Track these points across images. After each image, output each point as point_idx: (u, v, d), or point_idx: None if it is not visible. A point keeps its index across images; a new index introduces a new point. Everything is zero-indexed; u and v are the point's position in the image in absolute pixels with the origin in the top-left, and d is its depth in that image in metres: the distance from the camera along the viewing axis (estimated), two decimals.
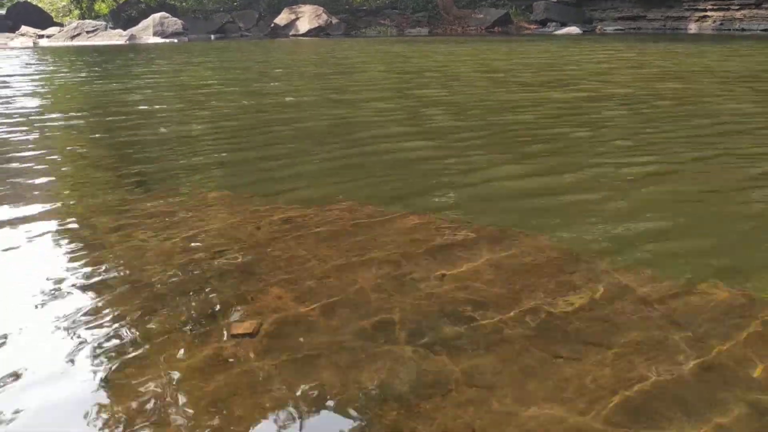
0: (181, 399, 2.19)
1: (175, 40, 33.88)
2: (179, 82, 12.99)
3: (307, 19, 38.19)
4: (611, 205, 4.24)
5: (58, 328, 2.62)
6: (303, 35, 37.14)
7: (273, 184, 4.90)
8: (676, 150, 5.89)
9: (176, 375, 2.33)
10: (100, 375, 2.32)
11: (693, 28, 39.80)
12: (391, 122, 7.64)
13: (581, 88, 10.73)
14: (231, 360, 2.41)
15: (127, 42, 33.13)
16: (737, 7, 37.75)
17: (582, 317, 2.68)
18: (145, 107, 9.38)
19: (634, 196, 4.42)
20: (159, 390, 2.23)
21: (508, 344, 2.49)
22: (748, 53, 18.75)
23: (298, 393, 2.22)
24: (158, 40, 33.92)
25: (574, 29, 38.62)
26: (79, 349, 2.47)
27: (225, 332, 2.60)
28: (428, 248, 3.42)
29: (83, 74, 15.10)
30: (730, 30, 37.65)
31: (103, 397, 2.20)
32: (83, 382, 2.28)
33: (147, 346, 2.51)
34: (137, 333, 2.60)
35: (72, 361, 2.40)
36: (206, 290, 2.95)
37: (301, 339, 2.54)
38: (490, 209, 4.21)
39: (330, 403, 2.18)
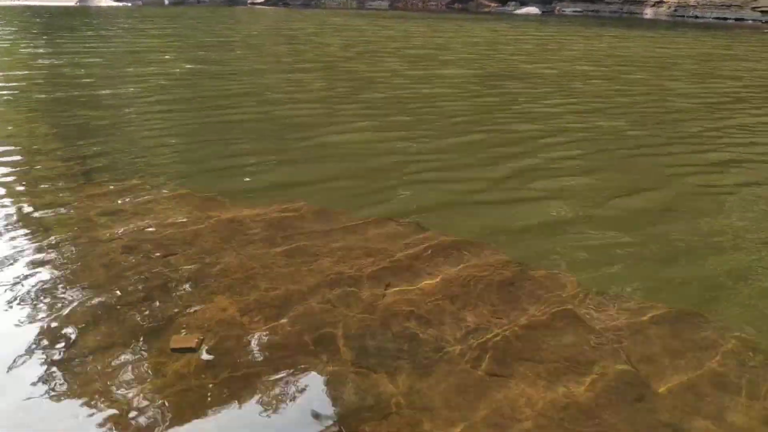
0: (116, 417, 2.17)
1: (129, 4, 32.78)
2: (132, 52, 12.62)
3: None
4: (561, 214, 4.34)
5: None
6: (261, 4, 36.40)
7: (223, 176, 4.85)
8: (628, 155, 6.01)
9: (114, 390, 2.31)
10: (39, 388, 2.28)
11: (649, 13, 40.45)
12: (344, 111, 7.60)
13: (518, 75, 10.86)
14: (171, 377, 2.40)
15: (78, 4, 31.89)
16: None
17: (520, 335, 2.74)
18: (92, 81, 9.09)
19: (585, 208, 4.52)
20: (92, 410, 2.21)
21: (448, 363, 2.54)
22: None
23: (236, 414, 2.23)
24: (111, 2, 32.76)
25: (533, 9, 38.82)
26: (10, 362, 2.42)
27: (166, 346, 2.57)
28: (375, 256, 3.43)
29: (26, 40, 14.51)
30: (684, 17, 38.41)
31: (34, 413, 2.17)
32: (14, 396, 2.24)
33: (85, 360, 2.47)
34: (75, 345, 2.56)
35: (2, 373, 2.36)
36: (150, 300, 2.91)
37: (243, 355, 2.54)
38: (440, 213, 4.24)
39: (268, 426, 2.19)
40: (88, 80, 9.25)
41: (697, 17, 37.75)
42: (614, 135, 6.79)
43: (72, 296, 2.91)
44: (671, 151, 6.18)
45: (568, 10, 41.43)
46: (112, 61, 11.48)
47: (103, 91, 8.39)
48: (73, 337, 2.61)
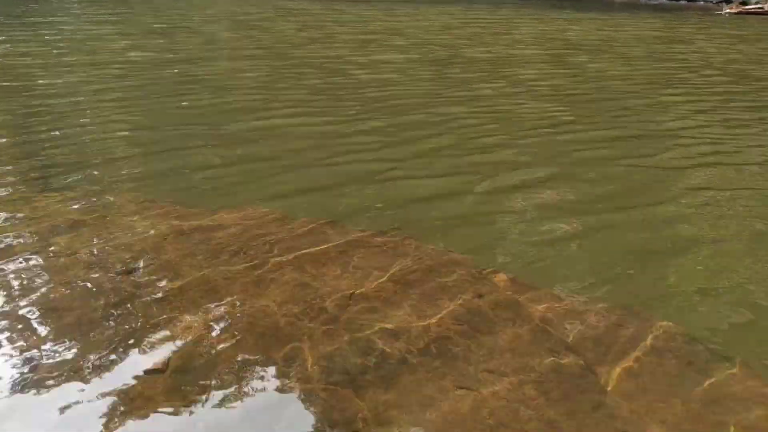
0: None
1: None
2: (82, 40, 12.08)
3: None
4: (514, 210, 4.40)
5: None
6: None
7: (182, 179, 4.77)
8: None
9: (78, 415, 2.26)
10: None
11: None
12: (288, 96, 7.48)
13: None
14: (138, 399, 2.36)
15: None
16: None
17: (482, 343, 2.78)
18: (41, 71, 8.77)
19: (539, 204, 4.58)
20: None
21: (412, 375, 2.56)
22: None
23: None
24: None
25: None
26: None
27: (133, 368, 2.53)
28: (337, 263, 3.43)
29: None
30: None
31: None
32: None
33: (46, 384, 2.41)
34: (37, 368, 2.49)
35: None
36: (113, 318, 2.87)
37: (211, 375, 2.51)
38: (398, 215, 4.22)
39: None
40: (36, 71, 8.94)
41: None
42: (547, 120, 7.05)
43: (32, 316, 2.85)
44: (608, 136, 6.48)
45: None
46: (61, 49, 11.03)
47: (54, 81, 8.18)
48: (33, 359, 2.55)
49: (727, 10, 26.73)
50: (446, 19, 19.19)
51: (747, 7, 26.94)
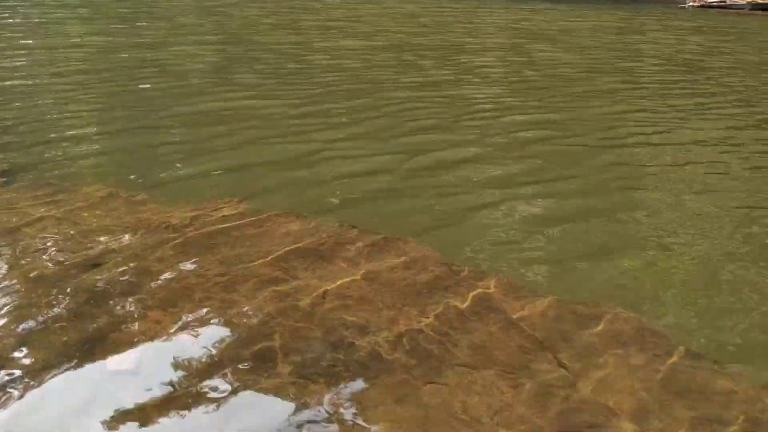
0: None
1: None
2: (46, 36, 11.97)
3: None
4: (491, 206, 4.49)
5: None
6: None
7: (147, 169, 4.75)
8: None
9: (46, 417, 2.26)
10: None
11: None
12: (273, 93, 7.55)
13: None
14: (107, 398, 2.37)
15: None
16: None
17: (454, 339, 2.84)
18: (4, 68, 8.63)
19: (515, 201, 4.68)
20: None
21: (385, 371, 2.61)
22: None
23: None
24: None
25: None
26: None
27: (101, 368, 2.54)
28: (311, 259, 3.46)
29: None
30: None
31: None
32: None
33: (12, 385, 2.40)
34: (4, 367, 2.48)
35: None
36: (81, 316, 2.84)
37: (181, 375, 2.53)
38: (372, 212, 4.30)
39: None
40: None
41: None
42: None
43: None
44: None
45: None
46: (17, 32, 10.90)
47: (9, 65, 8.00)
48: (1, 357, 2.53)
49: (691, 4, 27.16)
50: (412, 8, 19.29)
51: (709, 0, 27.39)
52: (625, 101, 8.19)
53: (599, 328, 3.01)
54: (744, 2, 25.93)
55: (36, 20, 12.98)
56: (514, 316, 3.05)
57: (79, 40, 10.64)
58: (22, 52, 9.27)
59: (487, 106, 7.44)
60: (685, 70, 10.92)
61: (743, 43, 15.15)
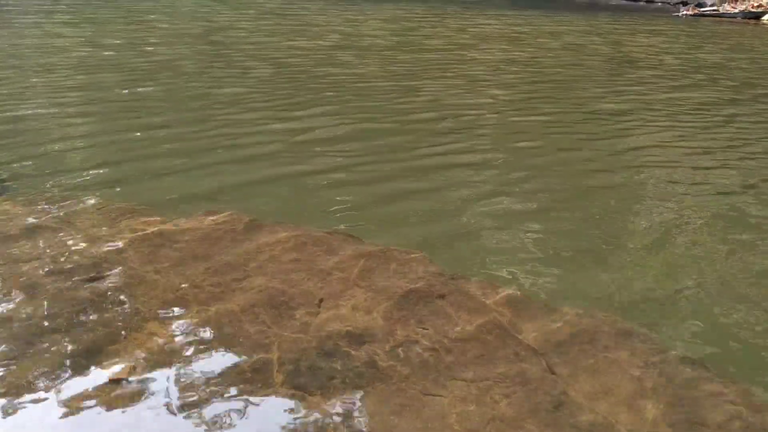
0: None
1: None
2: (39, 40, 11.98)
3: None
4: (490, 218, 4.49)
5: None
6: None
7: (146, 184, 4.75)
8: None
9: (44, 427, 2.27)
10: None
11: None
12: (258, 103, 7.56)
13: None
14: (102, 409, 2.38)
15: None
16: None
17: (451, 349, 2.85)
18: None
19: (511, 210, 4.68)
20: None
21: (381, 382, 2.61)
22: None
23: None
24: None
25: None
26: None
27: (96, 377, 2.54)
28: (306, 269, 3.46)
29: None
30: None
31: None
32: None
33: (10, 393, 2.40)
34: None
35: None
36: (76, 327, 2.85)
37: (176, 385, 2.53)
38: (369, 221, 4.30)
39: None
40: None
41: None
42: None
43: None
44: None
45: None
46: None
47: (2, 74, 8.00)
48: None
49: (684, 12, 27.39)
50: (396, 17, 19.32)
51: (702, 9, 27.65)
52: (632, 117, 8.00)
53: (596, 336, 3.02)
54: (736, 11, 26.16)
55: (33, 31, 12.97)
56: (510, 325, 3.05)
57: (73, 49, 10.62)
58: (16, 61, 9.24)
59: (486, 113, 7.43)
60: (686, 76, 10.98)
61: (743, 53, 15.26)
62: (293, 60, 10.59)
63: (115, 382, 2.52)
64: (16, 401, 2.38)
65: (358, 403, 2.49)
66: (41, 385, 2.48)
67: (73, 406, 2.38)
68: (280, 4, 20.11)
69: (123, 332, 2.83)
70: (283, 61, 10.44)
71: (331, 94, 8.19)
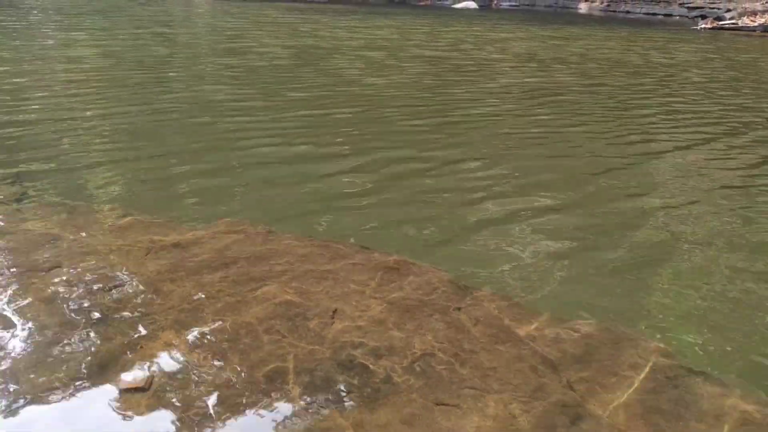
0: None
1: None
2: (59, 50, 12.19)
3: None
4: (499, 228, 4.47)
5: None
6: None
7: (164, 196, 4.79)
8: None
9: None
10: None
11: (583, 8, 41.48)
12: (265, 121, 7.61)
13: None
14: (119, 419, 2.38)
15: None
16: None
17: (466, 361, 2.83)
18: (8, 80, 8.77)
19: (524, 219, 4.66)
20: None
21: (396, 394, 2.60)
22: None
23: None
24: None
25: (471, 4, 39.29)
26: None
27: (115, 387, 2.55)
28: (321, 280, 3.46)
29: None
30: (616, 12, 39.54)
31: None
32: None
33: (28, 402, 2.41)
34: (17, 386, 2.49)
35: None
36: (94, 336, 2.86)
37: (193, 394, 2.53)
38: (382, 234, 4.30)
39: None
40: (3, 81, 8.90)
41: (628, 12, 38.93)
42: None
43: (10, 333, 2.83)
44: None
45: (506, 4, 42.17)
46: (30, 53, 11.07)
47: (25, 85, 8.11)
48: (7, 379, 2.54)
49: (703, 25, 27.29)
50: (393, 31, 19.44)
51: (721, 22, 27.53)
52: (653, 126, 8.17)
53: (610, 348, 2.99)
54: (756, 24, 26.00)
55: (50, 42, 13.18)
56: (526, 337, 3.03)
57: (92, 61, 10.77)
58: (37, 75, 9.39)
59: (491, 119, 7.45)
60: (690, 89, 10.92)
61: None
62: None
63: (131, 391, 2.53)
64: (33, 410, 2.39)
65: (372, 414, 2.47)
66: (58, 394, 2.49)
67: (89, 416, 2.39)
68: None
69: (139, 342, 2.84)
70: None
71: (351, 107, 8.25)
